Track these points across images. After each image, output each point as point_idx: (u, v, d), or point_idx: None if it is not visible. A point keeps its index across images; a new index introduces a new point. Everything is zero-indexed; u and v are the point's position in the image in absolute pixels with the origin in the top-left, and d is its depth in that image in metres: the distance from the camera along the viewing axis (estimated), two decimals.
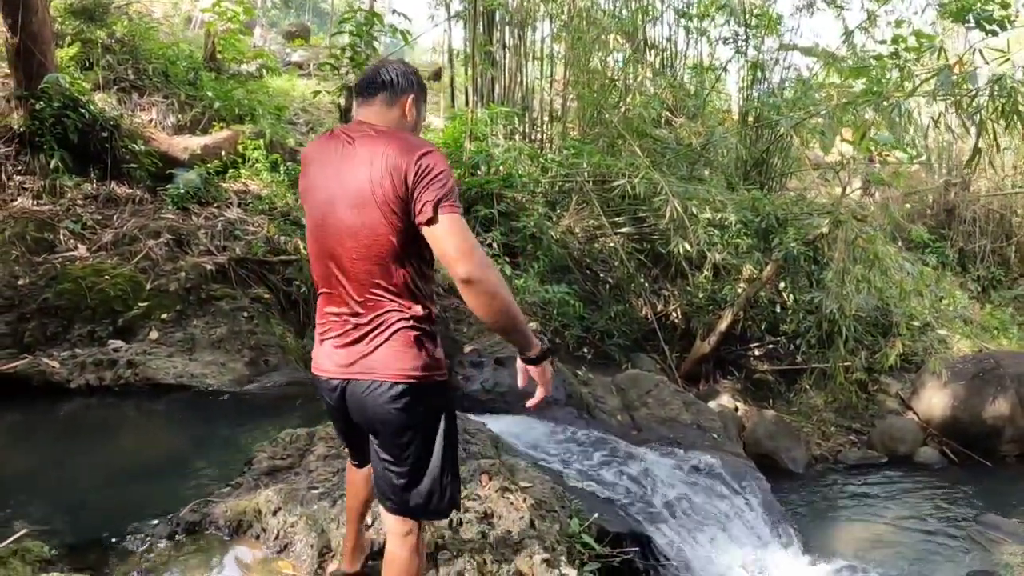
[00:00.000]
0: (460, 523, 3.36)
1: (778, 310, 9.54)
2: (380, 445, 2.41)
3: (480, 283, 2.15)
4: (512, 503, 3.62)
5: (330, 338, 2.43)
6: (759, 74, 11.36)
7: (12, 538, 3.20)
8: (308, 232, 2.51)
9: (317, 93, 9.99)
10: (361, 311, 2.34)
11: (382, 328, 2.32)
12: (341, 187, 2.31)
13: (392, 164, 2.21)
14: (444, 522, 3.32)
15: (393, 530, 2.47)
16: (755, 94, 11.36)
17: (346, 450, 2.85)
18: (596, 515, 4.26)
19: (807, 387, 9.18)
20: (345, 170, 2.31)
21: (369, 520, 3.24)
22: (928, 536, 6.66)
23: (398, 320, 2.32)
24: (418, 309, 2.34)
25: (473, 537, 3.30)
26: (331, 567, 3.16)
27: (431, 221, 2.18)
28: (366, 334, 2.34)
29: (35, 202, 7.03)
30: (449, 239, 2.17)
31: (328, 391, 2.46)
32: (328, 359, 2.44)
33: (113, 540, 3.48)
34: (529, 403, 2.44)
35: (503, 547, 3.29)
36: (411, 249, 2.29)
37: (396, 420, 2.32)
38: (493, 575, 3.07)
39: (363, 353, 2.34)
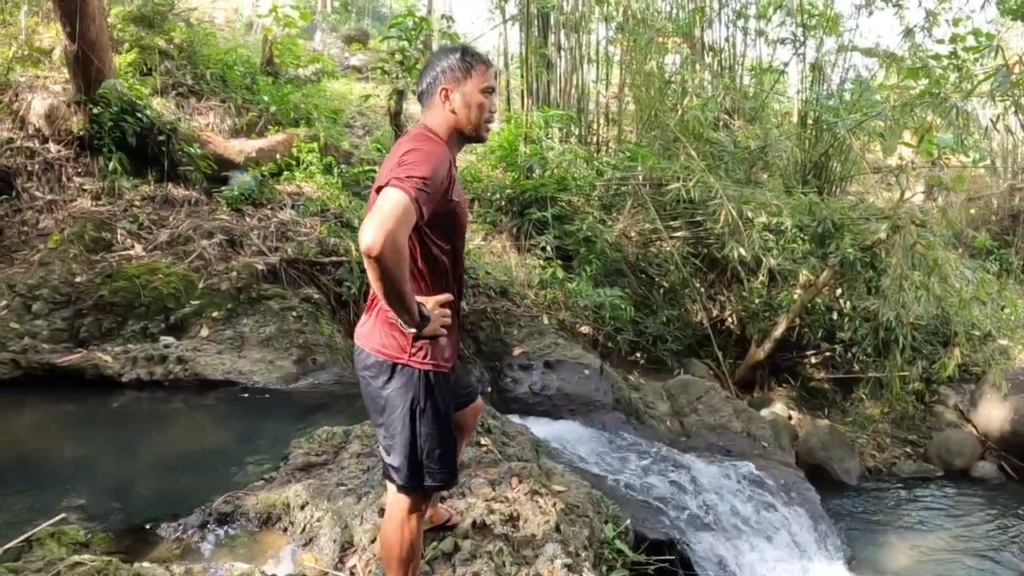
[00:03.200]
0: (483, 524, 3.34)
1: (834, 317, 9.30)
2: (366, 406, 2.69)
3: (372, 259, 2.16)
4: (540, 506, 3.58)
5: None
6: (818, 75, 11.12)
7: (50, 521, 3.35)
8: None
9: (368, 97, 10.10)
10: (371, 288, 2.52)
11: (374, 305, 2.60)
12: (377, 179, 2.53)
13: (394, 153, 2.43)
14: (467, 523, 3.31)
15: (389, 499, 2.70)
16: (814, 96, 11.13)
17: None
18: (630, 521, 4.21)
19: (863, 397, 8.93)
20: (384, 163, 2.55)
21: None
22: (982, 554, 6.42)
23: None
24: None
25: (494, 539, 3.28)
26: (351, 561, 3.18)
27: (380, 189, 2.31)
28: (369, 307, 2.65)
29: (94, 203, 7.26)
30: (378, 208, 2.21)
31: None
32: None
33: (148, 527, 3.60)
34: None
35: (525, 550, 3.26)
36: None
37: (369, 386, 2.60)
38: None
39: (364, 324, 2.66)
